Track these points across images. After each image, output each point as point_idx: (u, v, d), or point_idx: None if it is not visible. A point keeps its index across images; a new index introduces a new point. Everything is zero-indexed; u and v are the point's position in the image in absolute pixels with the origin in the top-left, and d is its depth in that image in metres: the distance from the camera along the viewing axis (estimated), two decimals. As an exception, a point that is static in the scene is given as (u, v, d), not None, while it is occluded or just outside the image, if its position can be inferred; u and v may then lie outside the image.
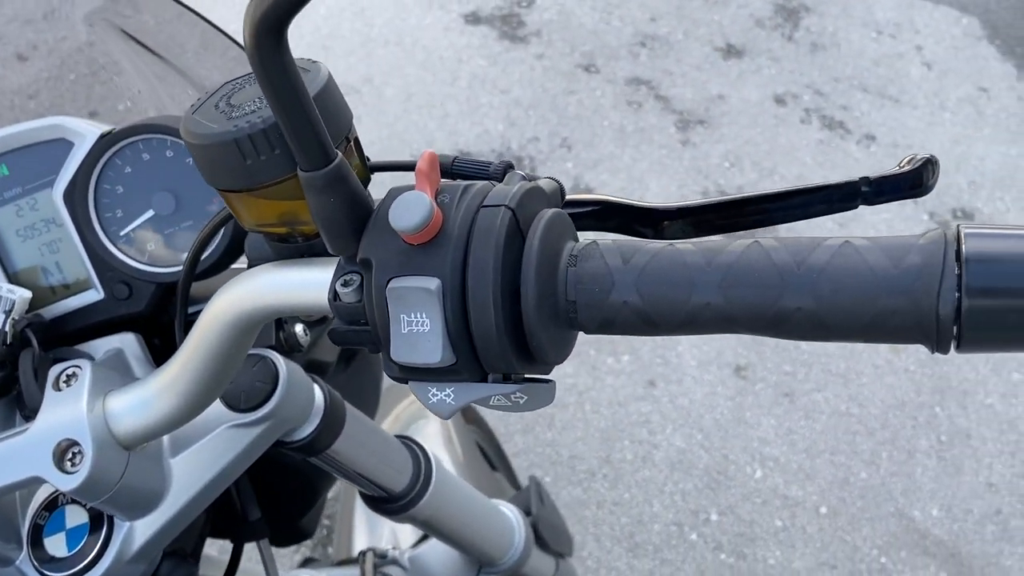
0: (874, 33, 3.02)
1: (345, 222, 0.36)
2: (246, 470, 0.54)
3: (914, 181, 0.40)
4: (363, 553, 0.87)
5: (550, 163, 2.51)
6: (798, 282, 0.32)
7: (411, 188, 0.35)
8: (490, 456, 1.39)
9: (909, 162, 0.40)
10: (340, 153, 0.35)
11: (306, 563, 1.14)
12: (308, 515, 0.74)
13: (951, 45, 3.00)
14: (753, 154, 2.56)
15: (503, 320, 0.34)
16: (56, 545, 0.50)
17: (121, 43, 0.65)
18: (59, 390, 0.47)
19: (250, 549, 0.64)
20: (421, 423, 1.25)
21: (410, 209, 0.34)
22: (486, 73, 2.79)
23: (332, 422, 0.58)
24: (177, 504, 0.50)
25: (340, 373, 0.69)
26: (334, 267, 0.38)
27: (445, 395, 0.37)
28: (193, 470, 0.51)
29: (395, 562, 0.89)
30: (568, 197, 0.44)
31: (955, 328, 0.30)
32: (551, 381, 0.37)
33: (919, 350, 2.02)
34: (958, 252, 0.30)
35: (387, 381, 0.53)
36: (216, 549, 0.70)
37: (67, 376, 0.47)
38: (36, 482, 0.45)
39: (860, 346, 1.32)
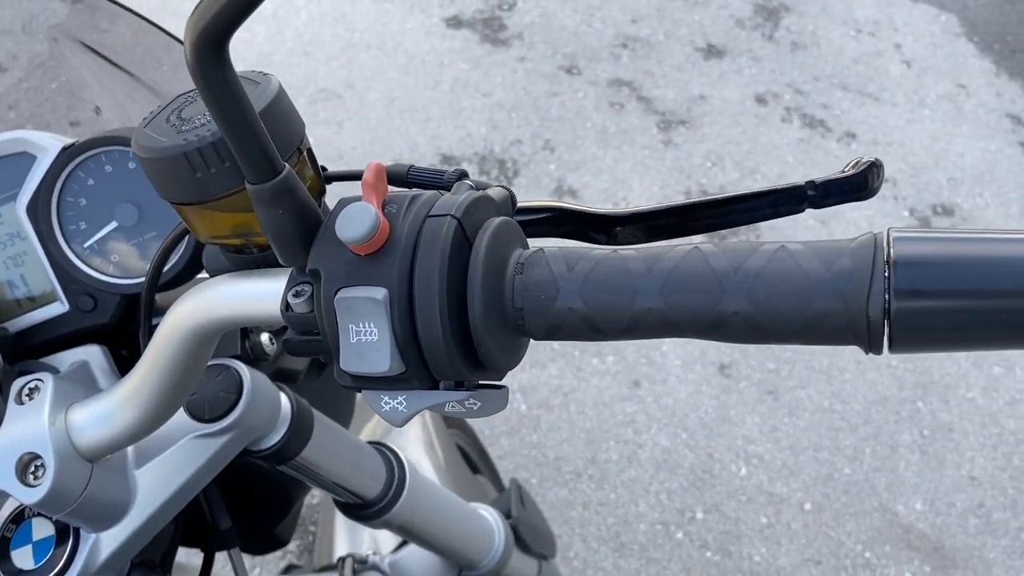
0: (853, 32, 3.04)
1: (294, 233, 0.36)
2: (216, 479, 0.54)
3: (859, 184, 0.41)
4: (342, 559, 0.87)
5: (533, 165, 2.52)
6: (735, 287, 0.32)
7: (359, 199, 0.36)
8: (473, 459, 1.40)
9: (854, 166, 0.41)
10: (288, 165, 0.35)
11: (288, 570, 1.14)
12: (283, 523, 0.74)
13: (930, 42, 3.02)
14: (735, 153, 2.58)
15: (451, 328, 0.34)
16: (23, 558, 0.50)
17: (83, 56, 0.65)
18: (21, 404, 0.47)
19: (225, 557, 0.65)
20: (400, 429, 1.25)
21: (356, 220, 0.34)
22: (468, 76, 2.79)
23: (300, 430, 0.58)
24: (143, 515, 0.50)
25: (312, 381, 0.69)
26: (287, 278, 0.38)
27: (397, 403, 0.37)
28: (158, 481, 0.51)
29: (375, 567, 0.89)
30: (520, 204, 0.44)
31: (886, 329, 0.30)
32: (504, 387, 0.38)
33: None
34: (888, 256, 0.30)
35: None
36: (193, 556, 0.70)
37: (29, 390, 0.47)
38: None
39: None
